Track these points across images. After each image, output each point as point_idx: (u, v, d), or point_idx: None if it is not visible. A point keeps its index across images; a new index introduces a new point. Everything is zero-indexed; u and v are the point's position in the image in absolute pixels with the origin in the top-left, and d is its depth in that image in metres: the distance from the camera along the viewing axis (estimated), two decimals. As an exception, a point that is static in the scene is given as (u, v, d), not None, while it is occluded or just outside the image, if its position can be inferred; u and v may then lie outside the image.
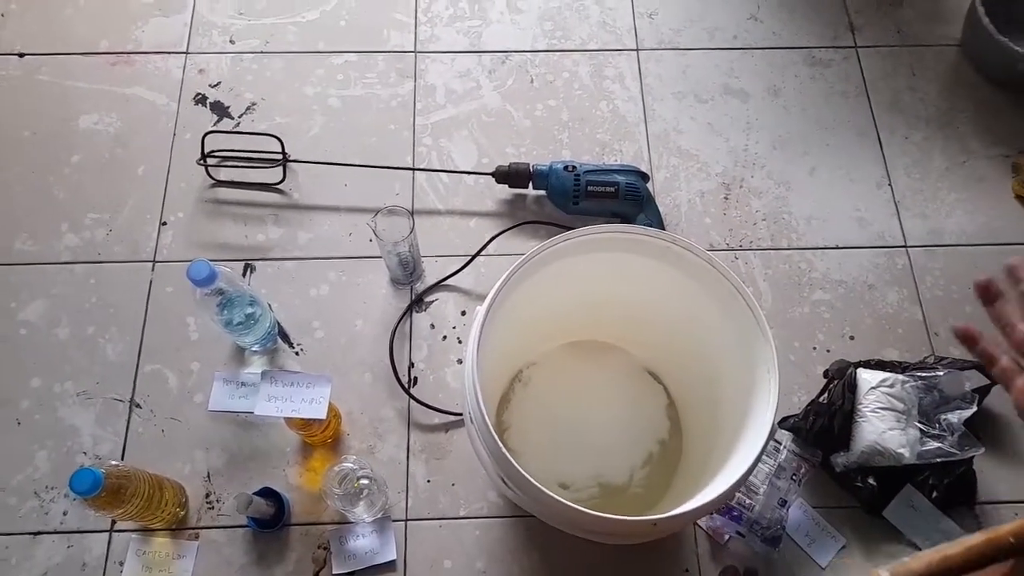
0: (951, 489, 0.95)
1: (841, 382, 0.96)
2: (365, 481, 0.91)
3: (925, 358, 1.03)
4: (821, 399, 0.97)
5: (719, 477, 0.77)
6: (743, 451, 0.76)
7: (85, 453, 1.01)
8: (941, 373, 0.97)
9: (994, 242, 1.16)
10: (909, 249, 1.16)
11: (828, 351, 1.08)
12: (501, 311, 0.81)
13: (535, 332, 1.01)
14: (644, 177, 1.13)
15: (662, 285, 0.88)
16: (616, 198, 1.11)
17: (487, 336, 0.79)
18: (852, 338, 1.09)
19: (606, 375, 1.06)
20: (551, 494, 0.69)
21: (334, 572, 0.94)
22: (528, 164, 1.14)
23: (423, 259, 1.11)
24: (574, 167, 1.12)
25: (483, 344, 0.77)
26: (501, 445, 0.71)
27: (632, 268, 0.88)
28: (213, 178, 1.17)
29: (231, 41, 1.29)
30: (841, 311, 1.11)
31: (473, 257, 1.11)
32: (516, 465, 0.70)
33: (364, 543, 0.95)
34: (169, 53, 1.28)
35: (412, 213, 1.01)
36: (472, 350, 0.76)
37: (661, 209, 1.14)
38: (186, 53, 1.28)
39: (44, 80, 1.25)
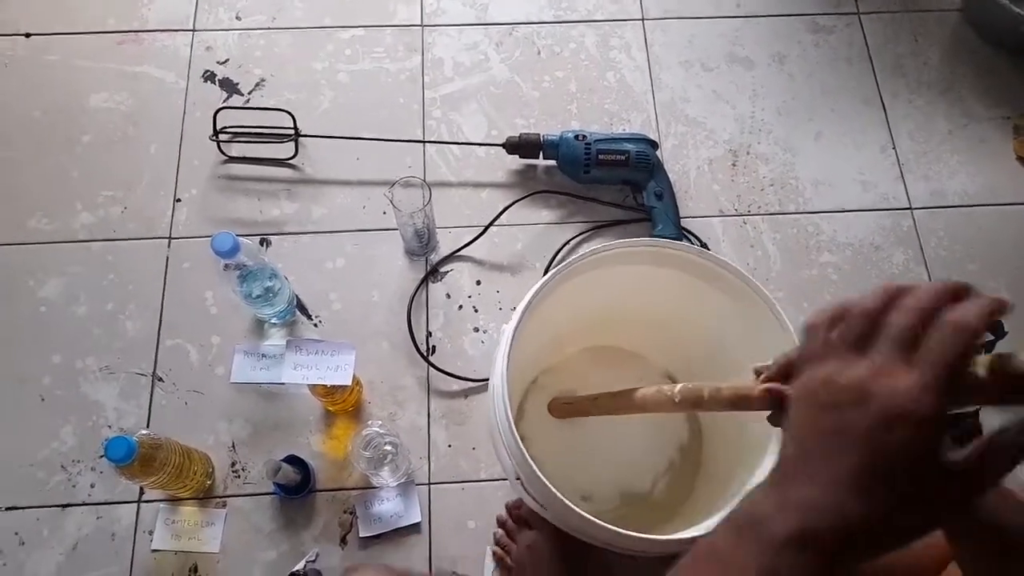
0: (959, 441, 0.97)
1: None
2: (389, 447, 0.93)
3: (932, 317, 1.05)
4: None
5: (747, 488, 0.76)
6: (769, 462, 0.75)
7: (110, 427, 1.02)
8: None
9: (996, 202, 1.18)
10: (914, 211, 1.18)
11: (836, 312, 1.10)
12: (525, 326, 0.79)
13: (554, 339, 0.99)
14: (653, 145, 1.15)
15: (688, 296, 0.86)
16: (626, 166, 1.13)
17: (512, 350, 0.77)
18: (860, 299, 1.11)
19: (624, 381, 1.02)
20: (593, 519, 0.68)
21: (361, 535, 0.96)
22: (538, 134, 1.15)
23: (437, 230, 1.13)
24: (584, 136, 1.13)
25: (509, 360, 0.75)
26: (537, 470, 0.70)
27: (658, 280, 0.86)
28: (225, 154, 1.18)
29: (238, 17, 1.30)
30: (848, 273, 1.13)
31: (487, 227, 1.13)
32: (556, 492, 0.69)
33: (389, 507, 0.97)
34: (176, 31, 1.29)
35: (426, 184, 1.03)
36: (500, 369, 0.74)
37: (670, 176, 1.15)
38: (193, 30, 1.29)
39: (52, 60, 1.26)
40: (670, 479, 1.00)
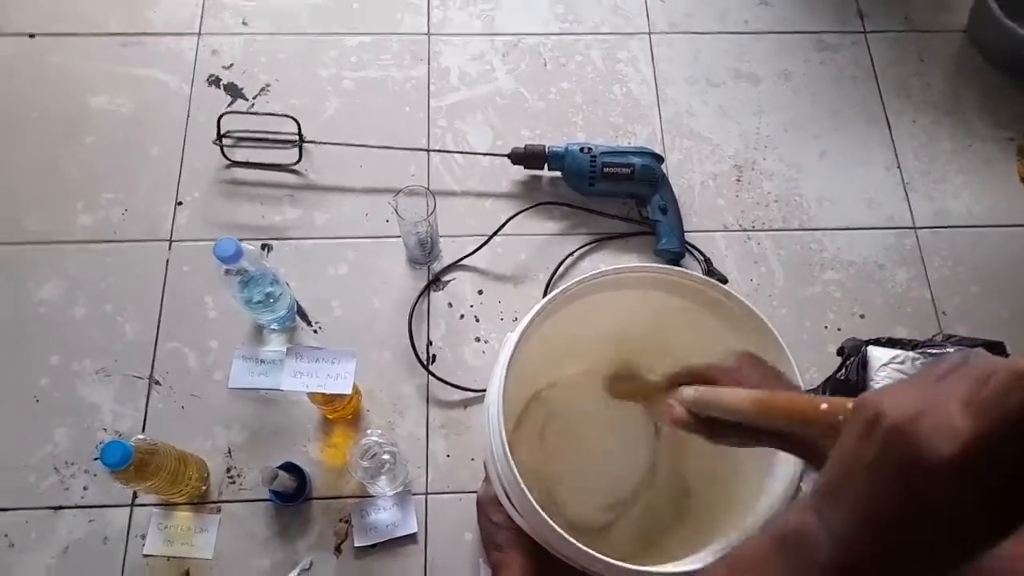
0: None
1: (856, 359, 0.97)
2: (388, 456, 0.92)
3: (934, 336, 1.05)
4: (839, 375, 0.99)
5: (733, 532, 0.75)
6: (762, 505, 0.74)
7: (105, 429, 1.01)
8: (950, 350, 0.99)
9: (999, 223, 1.18)
10: (917, 230, 1.18)
11: (839, 330, 1.10)
12: (526, 343, 0.79)
13: (558, 357, 0.97)
14: (659, 159, 1.15)
15: (691, 323, 0.85)
16: (632, 179, 1.12)
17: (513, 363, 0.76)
18: (863, 317, 1.11)
19: (620, 409, 0.99)
20: (581, 546, 0.67)
21: (356, 544, 0.95)
22: (543, 146, 1.15)
23: (440, 239, 1.12)
24: (590, 148, 1.13)
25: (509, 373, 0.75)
26: (527, 492, 0.69)
27: (663, 305, 0.85)
28: (229, 159, 1.18)
29: (244, 23, 1.30)
30: (852, 291, 1.13)
31: (490, 237, 1.12)
32: (555, 526, 0.68)
33: (385, 516, 0.96)
34: (181, 35, 1.28)
35: (430, 193, 1.02)
36: (498, 385, 0.74)
37: (675, 191, 1.15)
38: (198, 34, 1.28)
39: (55, 61, 1.25)
40: (651, 502, 0.98)
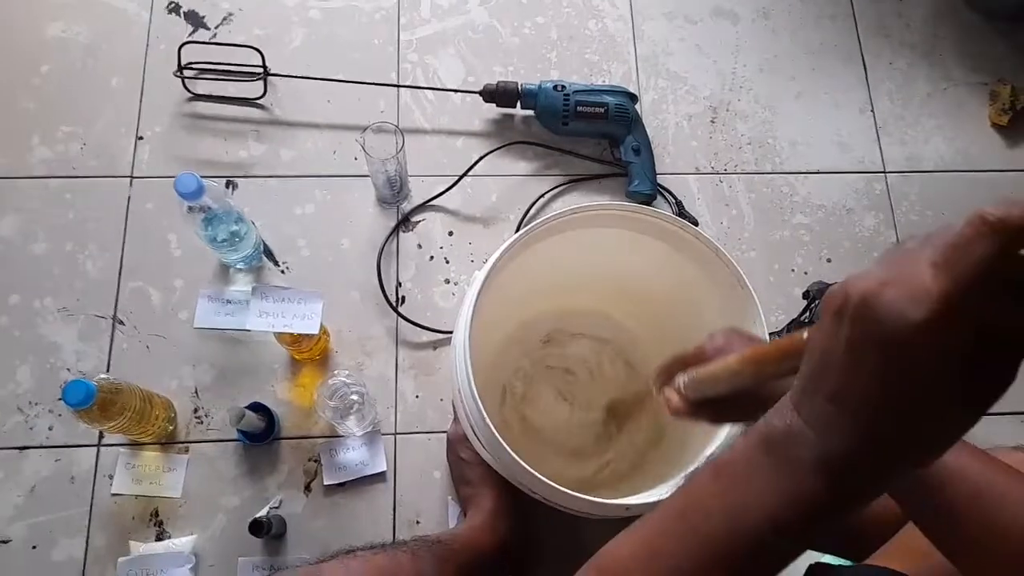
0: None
1: (820, 302, 0.98)
2: (355, 397, 0.92)
3: (899, 281, 1.06)
4: (803, 318, 1.00)
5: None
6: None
7: (68, 369, 1.00)
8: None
9: (969, 168, 1.19)
10: (887, 175, 1.18)
11: (806, 273, 1.11)
12: (492, 283, 0.79)
13: (526, 298, 0.98)
14: (633, 98, 1.13)
15: (660, 262, 0.86)
16: (605, 119, 1.11)
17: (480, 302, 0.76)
18: (829, 260, 1.12)
19: (596, 346, 1.03)
20: (552, 483, 0.69)
21: (325, 483, 0.96)
22: (516, 83, 1.12)
23: (410, 178, 1.10)
24: (563, 87, 1.10)
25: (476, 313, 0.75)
26: (504, 444, 0.70)
27: (630, 243, 0.85)
28: (191, 91, 1.14)
29: (204, -54, 1.24)
30: (820, 234, 1.13)
31: (460, 177, 1.10)
32: (520, 461, 0.69)
33: (354, 455, 0.97)
34: (138, -42, 1.22)
35: (399, 130, 1.00)
36: (466, 322, 0.74)
37: (649, 131, 1.13)
38: (156, -42, 1.22)
39: (5, -17, 1.19)
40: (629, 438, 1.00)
